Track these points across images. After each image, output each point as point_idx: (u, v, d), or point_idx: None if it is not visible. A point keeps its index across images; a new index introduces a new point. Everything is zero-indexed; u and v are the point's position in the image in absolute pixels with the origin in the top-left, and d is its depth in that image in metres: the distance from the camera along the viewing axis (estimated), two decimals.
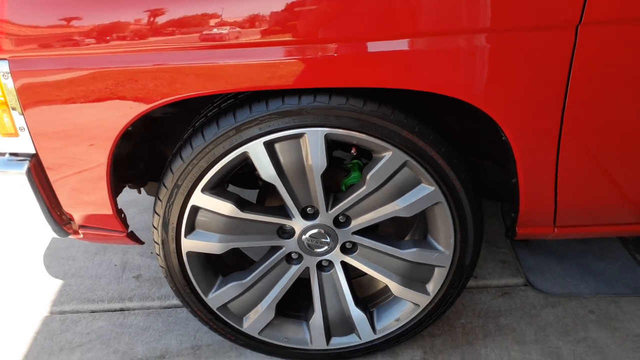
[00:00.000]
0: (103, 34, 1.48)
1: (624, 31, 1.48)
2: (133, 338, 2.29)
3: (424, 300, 1.97)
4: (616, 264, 2.53)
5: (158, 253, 1.87)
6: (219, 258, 1.98)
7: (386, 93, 1.64)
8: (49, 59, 1.52)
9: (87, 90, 1.55)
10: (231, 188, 2.00)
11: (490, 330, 2.23)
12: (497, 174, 1.96)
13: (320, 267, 1.94)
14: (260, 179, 1.74)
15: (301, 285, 2.02)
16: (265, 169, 1.69)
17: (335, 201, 1.78)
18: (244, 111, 1.61)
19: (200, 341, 2.25)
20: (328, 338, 2.05)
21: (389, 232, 2.17)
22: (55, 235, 1.86)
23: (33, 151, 1.67)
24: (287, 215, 1.81)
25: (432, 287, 1.95)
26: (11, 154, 1.69)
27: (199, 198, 1.74)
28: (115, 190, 1.82)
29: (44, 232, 1.83)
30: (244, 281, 1.92)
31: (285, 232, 1.86)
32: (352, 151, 1.82)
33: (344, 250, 1.90)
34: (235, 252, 2.18)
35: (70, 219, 1.85)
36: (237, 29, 1.46)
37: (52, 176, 1.72)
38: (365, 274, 1.98)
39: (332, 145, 1.72)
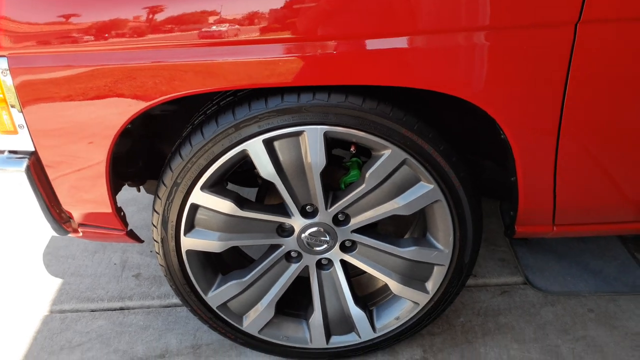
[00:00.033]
0: (102, 31, 1.49)
1: (623, 30, 1.48)
2: (133, 337, 2.29)
3: (423, 299, 1.97)
4: (615, 262, 2.53)
5: (157, 251, 1.87)
6: (219, 256, 1.98)
7: (385, 91, 1.64)
8: (47, 56, 1.52)
9: (86, 87, 1.55)
10: (230, 186, 2.00)
11: (490, 328, 2.23)
12: (496, 172, 1.96)
13: (319, 265, 1.94)
14: (260, 177, 1.74)
15: (301, 283, 2.02)
16: (265, 167, 1.69)
17: (335, 199, 1.79)
18: (243, 109, 1.62)
19: (200, 340, 2.25)
20: (328, 337, 2.05)
21: (388, 230, 2.18)
22: (55, 234, 1.86)
23: (32, 149, 1.67)
24: (286, 213, 1.81)
25: (432, 285, 1.95)
26: (10, 152, 1.69)
27: (198, 196, 1.74)
28: (114, 188, 1.81)
29: (43, 230, 1.83)
30: (244, 280, 1.92)
31: (284, 231, 1.86)
32: (352, 149, 1.82)
33: (344, 248, 1.90)
34: (234, 251, 2.18)
35: (70, 217, 1.85)
36: (236, 26, 1.46)
37: (51, 174, 1.72)
38: (365, 272, 1.99)
39: (331, 143, 1.72)
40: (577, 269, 2.49)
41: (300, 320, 2.07)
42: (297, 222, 1.82)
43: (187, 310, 2.17)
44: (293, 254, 1.91)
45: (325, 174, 1.71)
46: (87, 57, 1.52)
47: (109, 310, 2.44)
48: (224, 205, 1.77)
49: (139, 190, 2.24)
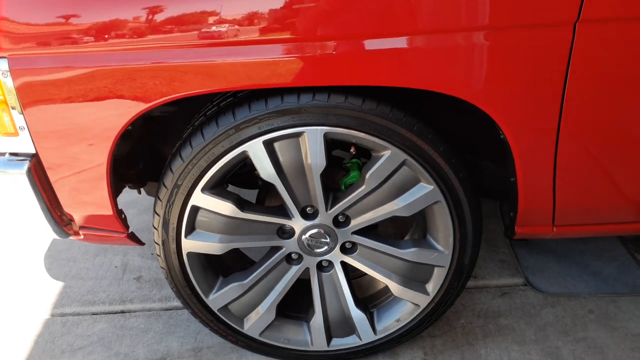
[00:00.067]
0: (101, 31, 1.49)
1: (621, 29, 1.48)
2: (134, 340, 2.29)
3: (423, 301, 1.97)
4: (615, 263, 2.53)
5: (158, 254, 1.88)
6: (220, 259, 1.98)
7: (385, 91, 1.64)
8: (48, 57, 1.52)
9: (87, 88, 1.55)
10: (231, 188, 2.01)
11: (490, 330, 2.23)
12: (495, 173, 1.96)
13: (320, 267, 1.94)
14: (260, 178, 1.74)
15: (301, 286, 2.02)
16: (265, 168, 1.69)
17: (335, 201, 1.79)
18: (243, 110, 1.62)
19: (201, 343, 2.25)
20: (329, 339, 2.05)
21: (388, 232, 2.18)
22: (56, 236, 1.86)
23: (33, 151, 1.67)
24: (286, 215, 1.81)
25: (432, 287, 1.95)
26: (11, 154, 1.69)
27: (199, 198, 1.75)
28: (115, 190, 1.82)
29: (45, 233, 1.83)
30: (245, 282, 1.92)
31: (285, 232, 1.86)
32: (351, 150, 1.82)
33: (344, 250, 1.90)
34: (235, 253, 2.18)
35: (71, 220, 1.85)
36: (236, 26, 1.46)
37: (52, 176, 1.72)
38: (365, 274, 1.99)
39: (331, 144, 1.72)
40: (577, 270, 2.49)
41: (301, 322, 2.07)
42: (297, 223, 1.82)
43: (188, 313, 2.18)
44: (294, 256, 1.91)
45: (325, 175, 1.71)
46: (87, 58, 1.52)
47: (110, 313, 2.44)
48: (225, 207, 1.77)
49: (139, 192, 2.24)
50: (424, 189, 1.75)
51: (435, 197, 1.76)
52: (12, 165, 1.67)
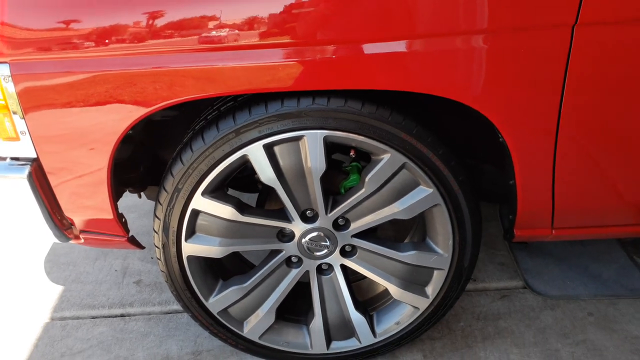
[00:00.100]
0: (102, 36, 1.49)
1: (619, 32, 1.49)
2: (134, 344, 2.29)
3: (423, 303, 1.98)
4: (614, 265, 2.53)
5: (159, 257, 1.88)
6: (219, 262, 1.99)
7: (384, 95, 1.65)
8: (49, 62, 1.53)
9: (88, 93, 1.55)
10: (231, 192, 2.01)
11: (490, 333, 2.24)
12: (495, 175, 1.97)
13: (320, 270, 1.94)
14: (260, 182, 1.75)
15: (301, 289, 2.03)
16: (265, 172, 1.70)
17: (335, 204, 1.79)
18: (243, 114, 1.62)
19: (201, 346, 2.26)
20: (328, 342, 2.05)
21: (388, 235, 2.18)
22: (56, 241, 1.87)
23: (34, 155, 1.67)
24: (286, 218, 1.81)
25: (432, 290, 1.96)
26: (12, 159, 1.69)
27: (199, 201, 1.75)
28: (116, 194, 1.82)
29: (45, 237, 1.83)
30: (244, 285, 1.92)
31: (285, 236, 1.87)
32: (351, 154, 1.82)
33: (344, 253, 1.90)
34: (235, 256, 2.19)
35: (71, 224, 1.85)
36: (236, 31, 1.47)
37: (53, 180, 1.73)
38: (365, 277, 1.99)
39: (331, 147, 1.72)
40: (576, 273, 2.50)
41: (301, 325, 2.07)
42: (297, 227, 1.82)
43: (188, 317, 2.18)
44: (293, 259, 1.92)
45: (325, 179, 1.72)
46: (88, 63, 1.52)
47: (109, 317, 2.45)
48: (225, 211, 1.77)
49: (140, 196, 2.24)
50: (424, 192, 1.76)
51: (435, 200, 1.77)
52: (13, 170, 1.67)
